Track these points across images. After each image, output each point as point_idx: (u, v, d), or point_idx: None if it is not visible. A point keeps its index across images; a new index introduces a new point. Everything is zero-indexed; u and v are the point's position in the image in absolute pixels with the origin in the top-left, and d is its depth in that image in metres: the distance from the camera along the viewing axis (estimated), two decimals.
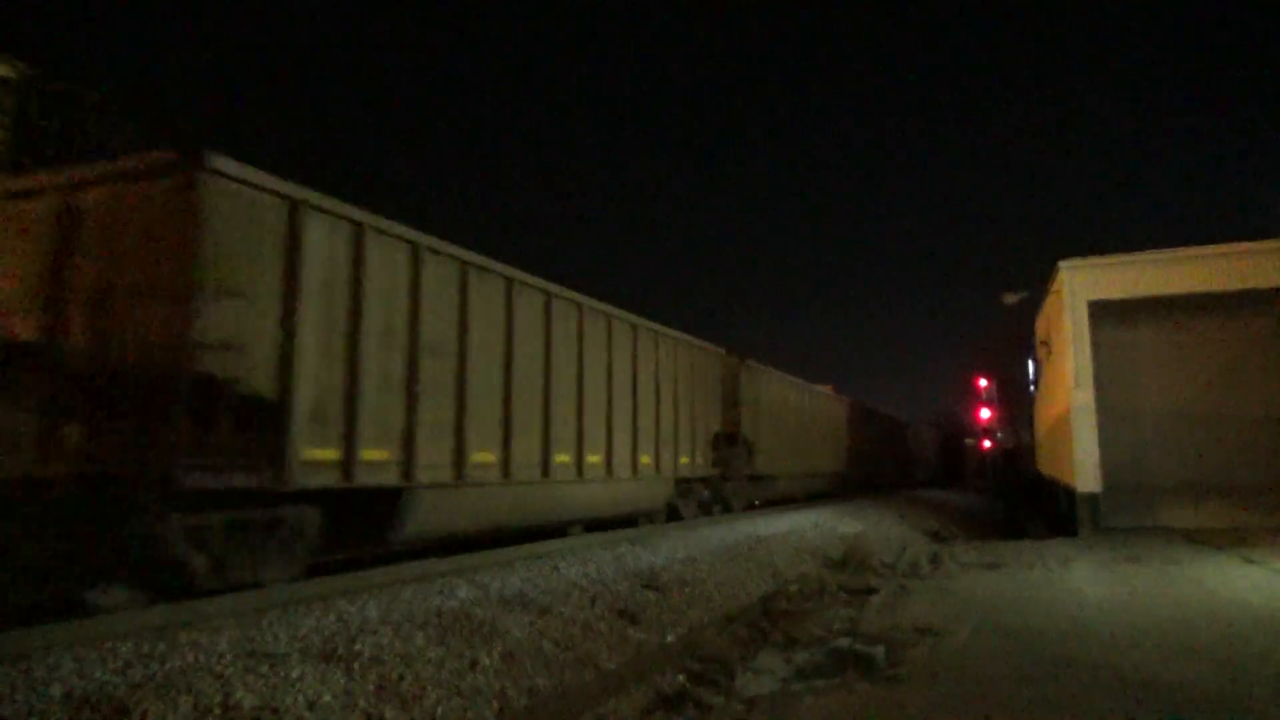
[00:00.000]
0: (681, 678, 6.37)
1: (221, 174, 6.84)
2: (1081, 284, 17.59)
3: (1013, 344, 34.24)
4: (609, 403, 12.79)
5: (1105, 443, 16.87)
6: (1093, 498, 16.56)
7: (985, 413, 48.65)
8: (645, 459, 13.90)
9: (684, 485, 16.05)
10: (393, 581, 7.74)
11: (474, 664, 5.66)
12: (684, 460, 15.63)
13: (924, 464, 50.44)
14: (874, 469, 34.65)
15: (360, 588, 7.37)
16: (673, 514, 15.94)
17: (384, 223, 8.54)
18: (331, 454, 7.69)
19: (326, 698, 4.66)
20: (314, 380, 7.55)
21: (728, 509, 18.56)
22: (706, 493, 17.45)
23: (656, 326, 14.76)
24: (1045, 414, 24.46)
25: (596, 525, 13.43)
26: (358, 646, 5.37)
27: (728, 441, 18.11)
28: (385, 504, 8.48)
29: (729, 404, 18.28)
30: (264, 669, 4.77)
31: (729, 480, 18.36)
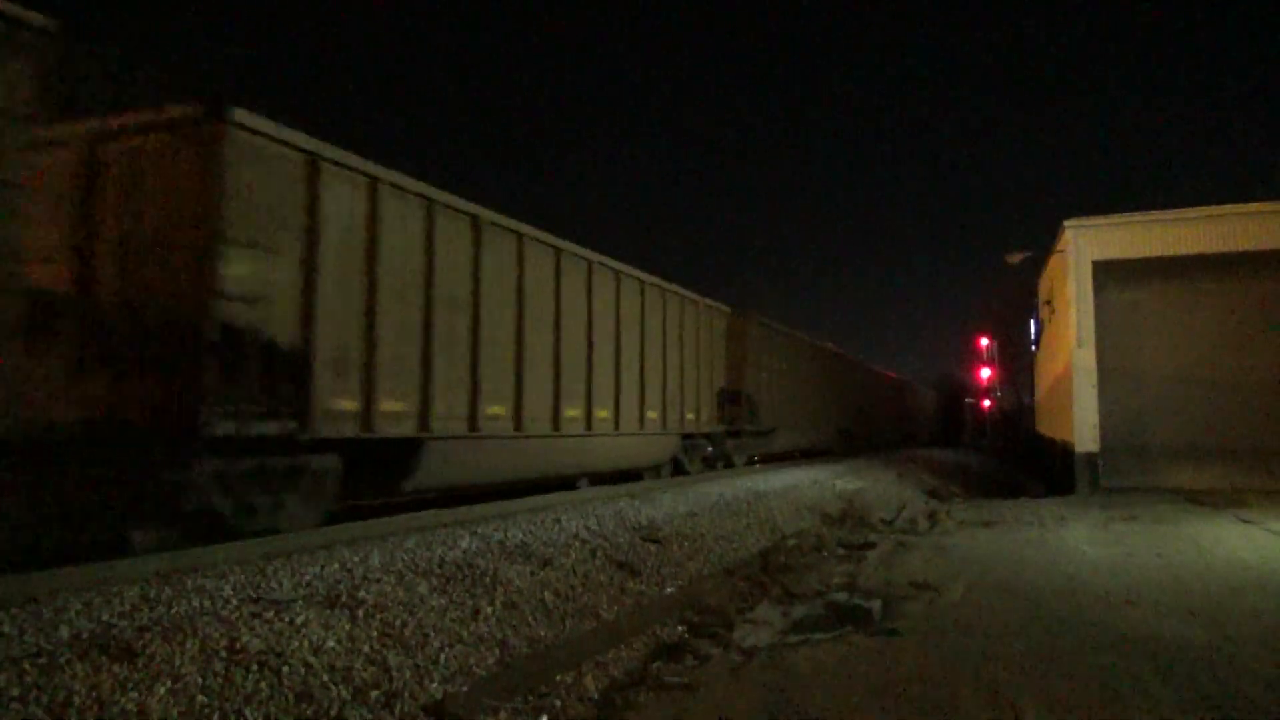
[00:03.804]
0: (681, 629, 6.46)
1: (244, 128, 6.91)
2: (1087, 243, 17.46)
3: (1015, 304, 34.19)
4: (616, 358, 12.91)
5: (1105, 403, 16.89)
6: (1091, 457, 16.65)
7: (986, 372, 48.76)
8: (652, 414, 14.08)
9: (689, 440, 16.24)
10: (396, 531, 7.83)
11: (476, 612, 5.74)
12: (690, 415, 15.78)
13: (924, 423, 50.62)
14: (875, 427, 34.79)
15: (363, 537, 7.46)
16: (678, 468, 16.19)
17: (399, 177, 8.57)
18: (351, 404, 7.91)
19: (331, 643, 4.73)
20: (334, 333, 7.72)
21: (730, 464, 18.78)
22: (711, 448, 17.67)
23: (663, 282, 14.76)
24: (1046, 374, 24.48)
25: (603, 479, 13.62)
26: (361, 594, 5.44)
27: (731, 398, 18.25)
28: (401, 454, 8.67)
29: (734, 360, 18.36)
30: (269, 614, 4.83)
31: (732, 436, 18.54)
